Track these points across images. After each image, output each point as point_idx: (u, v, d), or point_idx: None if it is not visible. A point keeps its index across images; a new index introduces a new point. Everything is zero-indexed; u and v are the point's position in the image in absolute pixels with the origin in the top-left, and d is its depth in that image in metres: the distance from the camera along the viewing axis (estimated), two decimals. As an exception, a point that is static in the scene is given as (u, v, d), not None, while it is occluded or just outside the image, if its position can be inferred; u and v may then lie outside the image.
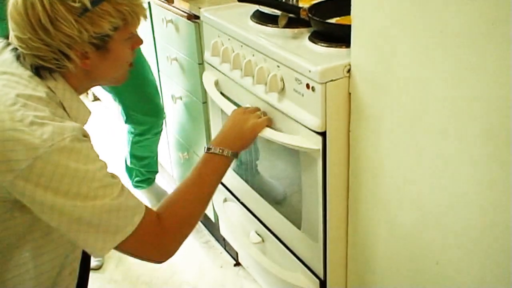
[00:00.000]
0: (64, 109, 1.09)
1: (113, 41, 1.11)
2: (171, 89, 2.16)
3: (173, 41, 2.01)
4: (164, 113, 2.29)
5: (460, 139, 1.02)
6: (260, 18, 1.53)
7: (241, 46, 1.50)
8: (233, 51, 1.54)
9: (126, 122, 2.25)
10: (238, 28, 1.51)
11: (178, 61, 2.01)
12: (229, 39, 1.55)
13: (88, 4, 1.04)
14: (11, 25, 1.08)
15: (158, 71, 2.26)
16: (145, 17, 1.16)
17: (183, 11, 1.83)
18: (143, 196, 2.47)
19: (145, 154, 2.35)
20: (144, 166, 2.41)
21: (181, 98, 2.09)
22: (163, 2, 1.94)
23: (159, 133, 2.32)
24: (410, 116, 1.12)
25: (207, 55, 1.69)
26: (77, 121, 1.09)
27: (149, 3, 2.10)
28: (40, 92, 1.05)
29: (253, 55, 1.45)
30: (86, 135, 1.06)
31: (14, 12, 1.05)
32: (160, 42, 2.15)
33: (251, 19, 1.55)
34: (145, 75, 2.15)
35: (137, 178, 2.45)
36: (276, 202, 1.62)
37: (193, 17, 1.78)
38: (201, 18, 1.70)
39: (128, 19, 1.10)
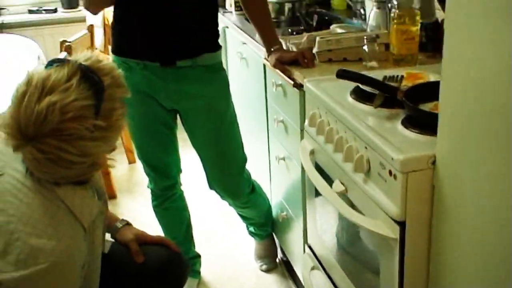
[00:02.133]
0: (67, 207, 1.16)
1: None
2: (276, 150, 2.21)
3: (281, 104, 2.06)
4: (249, 189, 2.18)
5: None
6: (359, 94, 1.53)
7: (336, 121, 1.50)
8: (328, 125, 1.55)
9: (209, 187, 2.18)
10: (335, 103, 1.52)
11: (284, 124, 2.05)
12: (326, 112, 1.57)
13: (98, 122, 1.12)
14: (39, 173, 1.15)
15: (268, 130, 2.32)
16: None
17: (291, 78, 1.88)
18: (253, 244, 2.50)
19: (247, 216, 2.35)
20: (252, 224, 2.41)
21: (284, 159, 2.13)
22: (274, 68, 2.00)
23: (247, 207, 2.23)
24: (496, 215, 1.05)
25: (306, 124, 1.72)
26: (82, 218, 1.15)
27: (264, 65, 2.18)
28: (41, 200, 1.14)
29: (345, 132, 1.45)
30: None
31: (45, 165, 1.11)
32: (270, 103, 2.22)
33: (350, 95, 1.55)
34: (231, 151, 2.07)
35: (250, 229, 2.44)
36: (358, 280, 1.57)
37: (299, 85, 1.82)
38: (304, 88, 1.74)
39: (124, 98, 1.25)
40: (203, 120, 1.97)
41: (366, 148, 1.33)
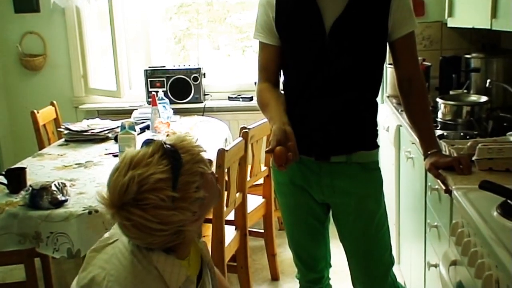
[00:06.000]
0: (158, 272, 1.28)
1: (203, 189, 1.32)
2: (430, 256, 2.12)
3: (436, 209, 2.00)
4: None
5: None
6: (505, 209, 1.44)
7: (474, 234, 1.42)
8: (468, 236, 1.47)
9: (352, 286, 2.09)
10: (477, 215, 1.44)
11: (437, 230, 1.98)
12: (467, 223, 1.50)
13: (174, 193, 1.25)
14: (131, 239, 1.32)
15: (425, 235, 2.24)
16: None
17: (444, 183, 1.82)
18: None
19: None
20: None
21: (435, 267, 2.02)
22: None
23: None
24: None
25: (451, 233, 1.64)
26: (170, 283, 1.27)
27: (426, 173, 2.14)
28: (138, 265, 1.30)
29: (481, 247, 1.36)
30: None
31: (132, 231, 1.27)
32: (429, 206, 2.15)
33: (497, 209, 1.46)
34: (378, 252, 1.98)
35: None
36: None
37: (450, 192, 1.76)
38: (452, 195, 1.67)
39: (202, 172, 1.33)
40: (352, 217, 1.95)
41: (496, 267, 1.24)
